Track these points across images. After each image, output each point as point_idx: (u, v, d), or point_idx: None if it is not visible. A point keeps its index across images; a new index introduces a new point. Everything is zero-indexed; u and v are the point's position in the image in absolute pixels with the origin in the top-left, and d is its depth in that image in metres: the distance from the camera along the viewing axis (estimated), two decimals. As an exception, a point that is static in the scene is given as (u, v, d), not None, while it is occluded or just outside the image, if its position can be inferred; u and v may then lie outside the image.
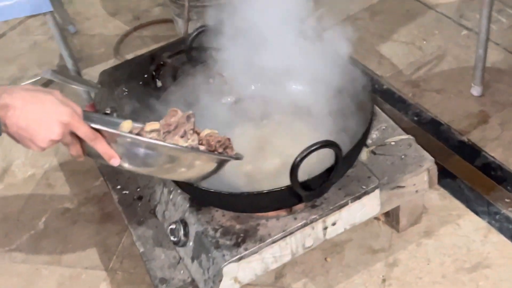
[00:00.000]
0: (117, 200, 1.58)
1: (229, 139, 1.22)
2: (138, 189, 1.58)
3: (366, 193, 1.36)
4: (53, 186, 1.96)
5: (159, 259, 1.42)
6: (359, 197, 1.36)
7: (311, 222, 1.33)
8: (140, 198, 1.57)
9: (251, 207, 1.28)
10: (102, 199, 1.87)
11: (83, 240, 1.77)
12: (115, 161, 1.09)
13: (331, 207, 1.34)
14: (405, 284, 1.51)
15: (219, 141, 1.20)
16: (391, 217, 1.62)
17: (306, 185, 1.19)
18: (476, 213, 1.63)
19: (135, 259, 1.66)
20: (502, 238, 1.56)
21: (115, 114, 1.63)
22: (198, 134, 1.20)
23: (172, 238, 1.37)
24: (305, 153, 1.11)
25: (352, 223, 1.39)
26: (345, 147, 1.25)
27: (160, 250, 1.43)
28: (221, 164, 1.19)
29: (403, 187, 1.48)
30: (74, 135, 1.07)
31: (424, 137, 1.85)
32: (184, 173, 1.17)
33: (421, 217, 1.62)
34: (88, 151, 1.11)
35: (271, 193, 1.19)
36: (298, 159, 1.12)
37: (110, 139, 1.08)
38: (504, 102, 1.90)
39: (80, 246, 1.76)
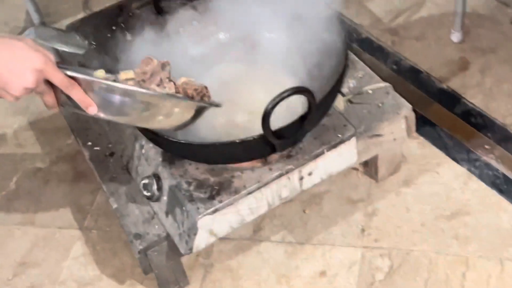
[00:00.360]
0: (88, 157, 1.56)
1: (206, 87, 1.20)
2: (110, 145, 1.56)
3: (342, 141, 1.35)
4: (24, 145, 1.93)
5: (133, 215, 1.41)
6: (335, 146, 1.34)
7: (287, 172, 1.31)
8: (112, 154, 1.55)
9: (224, 158, 1.27)
10: (75, 157, 1.85)
11: (56, 200, 1.75)
12: (92, 109, 1.06)
13: (307, 157, 1.32)
14: (384, 233, 1.51)
15: (196, 89, 1.18)
16: (369, 167, 1.61)
17: (279, 133, 1.17)
18: (456, 160, 1.63)
19: (110, 217, 1.65)
20: (482, 185, 1.56)
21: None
22: (174, 83, 1.18)
23: (145, 193, 1.36)
24: (276, 100, 1.09)
25: (329, 172, 1.38)
26: (321, 95, 1.23)
27: (134, 206, 1.42)
28: (199, 112, 1.18)
29: (381, 135, 1.47)
30: (48, 83, 1.04)
31: (403, 86, 1.84)
32: (162, 122, 1.16)
33: (400, 166, 1.62)
34: (63, 101, 1.08)
35: (243, 143, 1.18)
36: (270, 106, 1.10)
37: (87, 88, 1.06)
38: (485, 48, 1.89)
39: (53, 205, 1.74)
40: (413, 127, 1.52)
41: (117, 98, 1.08)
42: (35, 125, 1.98)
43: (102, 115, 1.09)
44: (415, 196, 1.57)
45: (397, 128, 1.48)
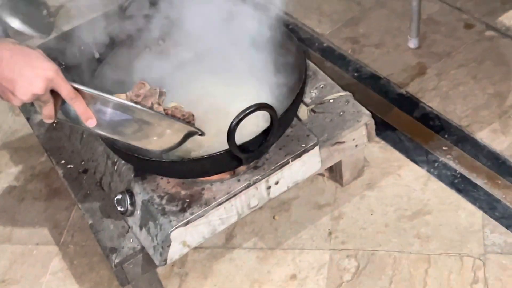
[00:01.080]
0: (62, 175, 1.61)
1: (193, 115, 1.27)
2: (83, 162, 1.61)
3: (305, 151, 1.42)
4: (-3, 165, 1.98)
5: (108, 230, 1.46)
6: (299, 155, 1.42)
7: (254, 182, 1.38)
8: (85, 171, 1.60)
9: (193, 173, 1.33)
10: (48, 175, 1.90)
11: (32, 217, 1.80)
12: (91, 122, 1.12)
13: (273, 167, 1.39)
14: (350, 235, 1.59)
15: (183, 115, 1.26)
16: (334, 173, 1.69)
17: (244, 147, 1.25)
18: (416, 162, 1.71)
19: (86, 232, 1.70)
20: (441, 184, 1.65)
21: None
22: (163, 108, 1.25)
23: (119, 208, 1.41)
24: (240, 117, 1.16)
25: (295, 180, 1.46)
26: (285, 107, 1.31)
27: (108, 221, 1.48)
28: (186, 136, 1.24)
29: (343, 142, 1.55)
30: (52, 94, 1.09)
31: (365, 92, 1.92)
32: (153, 142, 1.21)
33: (363, 170, 1.70)
34: (62, 112, 1.13)
35: (210, 158, 1.24)
36: (234, 123, 1.17)
37: (89, 101, 1.11)
38: (441, 53, 1.98)
39: (30, 223, 1.79)
40: (373, 133, 1.60)
41: (117, 114, 1.13)
42: (8, 144, 2.03)
43: (98, 129, 1.14)
44: (378, 199, 1.65)
45: (358, 135, 1.56)
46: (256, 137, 1.26)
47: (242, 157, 1.25)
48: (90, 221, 1.49)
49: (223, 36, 1.57)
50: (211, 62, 1.59)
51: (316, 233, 1.61)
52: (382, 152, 1.75)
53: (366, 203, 1.65)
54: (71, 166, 1.62)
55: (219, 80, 1.56)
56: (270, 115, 1.21)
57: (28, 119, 1.76)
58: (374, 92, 1.93)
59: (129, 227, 1.45)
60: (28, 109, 1.77)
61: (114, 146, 1.30)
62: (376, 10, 2.18)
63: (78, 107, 1.10)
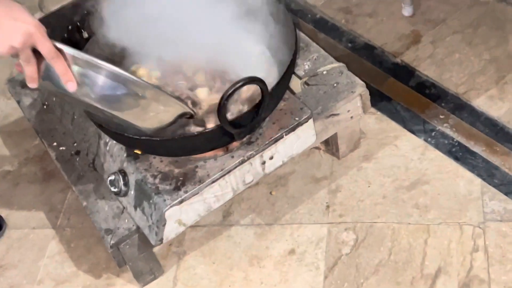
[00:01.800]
0: (54, 157, 1.59)
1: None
2: (75, 144, 1.59)
3: (299, 124, 1.40)
4: (-9, 149, 1.95)
5: (103, 211, 1.45)
6: (293, 129, 1.39)
7: (248, 158, 1.36)
8: (77, 153, 1.58)
9: (185, 151, 1.31)
10: (43, 158, 1.88)
11: (28, 201, 1.79)
12: (72, 86, 1.06)
13: (267, 142, 1.37)
14: (348, 208, 1.57)
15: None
16: (330, 145, 1.67)
17: (236, 122, 1.22)
18: (413, 132, 1.69)
19: (82, 214, 1.68)
20: (438, 153, 1.63)
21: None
22: None
23: (112, 189, 1.40)
24: (230, 91, 1.14)
25: (290, 155, 1.44)
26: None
27: (103, 202, 1.46)
28: (179, 117, 1.19)
29: (338, 114, 1.52)
30: (34, 53, 1.03)
31: (359, 63, 1.89)
32: (138, 115, 1.15)
33: (359, 142, 1.68)
34: (45, 76, 1.07)
35: (202, 135, 1.22)
36: (224, 97, 1.14)
37: (71, 63, 1.05)
38: (435, 20, 1.95)
39: (26, 207, 1.77)
40: (369, 104, 1.57)
41: (100, 79, 1.07)
42: (1, 128, 2.00)
43: (80, 96, 1.08)
44: (375, 170, 1.63)
45: (353, 106, 1.54)
46: (248, 111, 1.24)
47: (234, 132, 1.23)
48: (85, 203, 1.48)
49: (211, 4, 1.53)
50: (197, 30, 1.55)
51: (313, 207, 1.60)
52: (378, 123, 1.73)
53: (363, 175, 1.63)
54: (64, 148, 1.61)
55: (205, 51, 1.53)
56: (261, 88, 1.18)
57: (18, 102, 1.74)
58: (368, 62, 1.90)
59: (123, 208, 1.44)
60: (18, 91, 1.75)
61: (102, 125, 1.27)
62: (368, -22, 2.13)
63: (58, 67, 1.04)
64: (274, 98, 1.29)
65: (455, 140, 1.65)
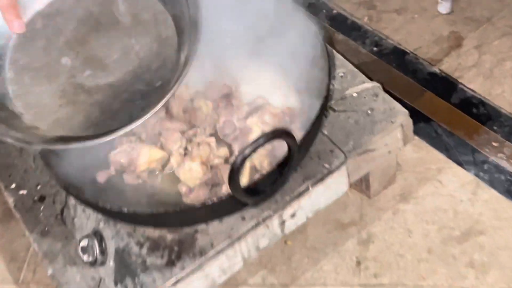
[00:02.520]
0: (13, 204, 1.25)
1: None
2: (38, 187, 1.26)
3: (330, 172, 1.07)
4: None
5: (74, 282, 1.12)
6: (321, 179, 1.07)
7: (264, 220, 1.04)
8: (41, 199, 1.24)
9: (183, 223, 0.98)
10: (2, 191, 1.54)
11: (-15, 247, 1.46)
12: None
13: (288, 197, 1.05)
14: (384, 265, 1.26)
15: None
16: (359, 182, 1.35)
17: (252, 189, 0.89)
18: (460, 164, 1.37)
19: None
20: (494, 193, 1.32)
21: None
22: None
23: (85, 258, 1.07)
24: (246, 153, 0.80)
25: (316, 209, 1.12)
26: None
27: (74, 270, 1.13)
28: None
29: (373, 150, 1.20)
30: None
31: (387, 72, 1.57)
32: None
33: (395, 176, 1.36)
34: None
35: (206, 207, 0.89)
36: (238, 161, 0.81)
37: None
38: (479, 18, 1.62)
39: (-19, 254, 1.44)
40: (411, 134, 1.26)
41: None
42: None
43: None
44: (416, 214, 1.32)
45: (392, 139, 1.21)
46: (269, 174, 0.91)
47: (250, 202, 0.90)
48: (50, 271, 1.15)
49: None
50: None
51: (340, 262, 1.28)
52: (416, 152, 1.41)
53: (401, 220, 1.31)
54: (24, 192, 1.27)
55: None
56: (289, 145, 0.85)
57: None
58: (399, 71, 1.57)
59: (100, 279, 1.11)
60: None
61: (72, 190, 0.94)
62: (394, -34, 1.79)
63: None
64: (303, 150, 0.96)
65: (513, 175, 1.33)
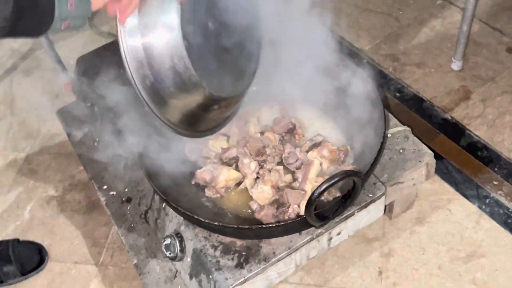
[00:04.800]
0: (104, 203, 1.26)
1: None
2: (126, 190, 1.26)
3: (372, 201, 1.07)
4: (36, 171, 1.61)
5: (154, 272, 1.12)
6: (365, 206, 1.07)
7: (317, 236, 1.04)
8: (128, 200, 1.25)
9: (258, 236, 0.98)
10: (88, 185, 1.54)
11: (71, 232, 1.46)
12: None
13: (337, 220, 1.05)
14: (402, 277, 1.26)
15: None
16: (384, 205, 1.34)
17: (320, 215, 0.89)
18: (466, 197, 1.37)
19: (126, 252, 1.35)
20: (494, 224, 1.31)
21: (96, 108, 1.28)
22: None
23: (167, 254, 1.07)
24: (323, 188, 0.81)
25: (357, 229, 1.12)
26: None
27: (154, 262, 1.13)
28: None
29: (402, 182, 1.20)
30: None
31: (408, 115, 1.56)
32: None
33: (413, 203, 1.36)
34: None
35: (282, 226, 0.89)
36: (316, 193, 0.81)
37: None
38: (484, 77, 1.61)
39: (68, 238, 1.45)
40: (433, 171, 1.25)
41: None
42: (47, 149, 1.66)
43: None
44: (429, 236, 1.31)
45: (418, 175, 1.21)
46: (335, 203, 0.91)
47: (317, 225, 0.90)
48: (135, 261, 1.15)
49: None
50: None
51: (365, 271, 1.28)
52: (430, 183, 1.40)
53: (417, 240, 1.31)
54: (114, 193, 1.27)
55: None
56: (355, 182, 0.85)
57: (69, 135, 1.39)
58: (417, 115, 1.56)
59: (176, 272, 1.11)
60: (69, 124, 1.41)
61: (160, 191, 0.94)
62: (414, 27, 1.79)
63: None
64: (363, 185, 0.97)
65: (510, 210, 1.33)
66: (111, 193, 1.27)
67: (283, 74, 1.14)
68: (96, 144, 1.34)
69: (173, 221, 1.11)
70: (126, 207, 1.23)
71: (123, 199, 1.25)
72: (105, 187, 1.28)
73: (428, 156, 1.21)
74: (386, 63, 1.71)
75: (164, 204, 1.13)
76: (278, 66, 1.13)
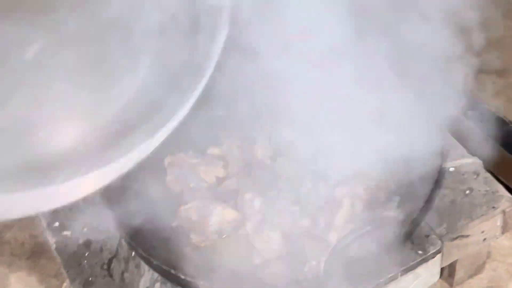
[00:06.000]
0: (54, 246, 1.27)
1: None
2: (85, 229, 1.27)
3: (423, 261, 1.07)
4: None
5: None
6: (413, 268, 1.07)
7: (344, 305, 1.03)
8: (87, 244, 1.26)
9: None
10: (34, 221, 1.55)
11: (8, 285, 1.47)
12: None
13: (375, 283, 1.04)
14: None
15: None
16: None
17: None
18: (559, 259, 1.36)
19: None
20: None
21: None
22: None
23: (136, 322, 1.07)
24: (349, 240, 0.82)
25: (400, 299, 1.11)
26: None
27: (119, 333, 1.14)
28: None
29: (467, 236, 1.20)
30: None
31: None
32: None
33: (484, 266, 1.35)
34: None
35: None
36: (341, 246, 0.82)
37: None
38: None
39: (5, 294, 1.47)
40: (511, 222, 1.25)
41: None
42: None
43: None
44: (505, 312, 1.31)
45: (490, 227, 1.21)
46: (366, 260, 0.91)
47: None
48: (92, 334, 1.16)
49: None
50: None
51: None
52: (509, 238, 1.40)
53: (488, 318, 1.31)
54: (68, 233, 1.28)
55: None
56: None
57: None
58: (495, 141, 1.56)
59: None
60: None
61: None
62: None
63: None
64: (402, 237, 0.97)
65: None
66: (64, 233, 1.28)
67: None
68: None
69: (145, 275, 1.12)
70: (84, 254, 1.25)
71: (80, 242, 1.26)
72: (56, 224, 1.29)
73: (506, 201, 1.21)
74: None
75: (133, 253, 1.14)
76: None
